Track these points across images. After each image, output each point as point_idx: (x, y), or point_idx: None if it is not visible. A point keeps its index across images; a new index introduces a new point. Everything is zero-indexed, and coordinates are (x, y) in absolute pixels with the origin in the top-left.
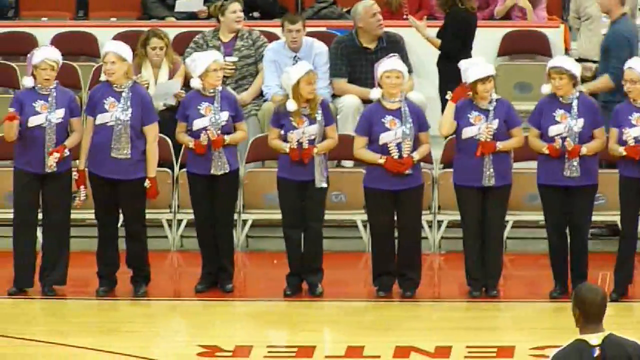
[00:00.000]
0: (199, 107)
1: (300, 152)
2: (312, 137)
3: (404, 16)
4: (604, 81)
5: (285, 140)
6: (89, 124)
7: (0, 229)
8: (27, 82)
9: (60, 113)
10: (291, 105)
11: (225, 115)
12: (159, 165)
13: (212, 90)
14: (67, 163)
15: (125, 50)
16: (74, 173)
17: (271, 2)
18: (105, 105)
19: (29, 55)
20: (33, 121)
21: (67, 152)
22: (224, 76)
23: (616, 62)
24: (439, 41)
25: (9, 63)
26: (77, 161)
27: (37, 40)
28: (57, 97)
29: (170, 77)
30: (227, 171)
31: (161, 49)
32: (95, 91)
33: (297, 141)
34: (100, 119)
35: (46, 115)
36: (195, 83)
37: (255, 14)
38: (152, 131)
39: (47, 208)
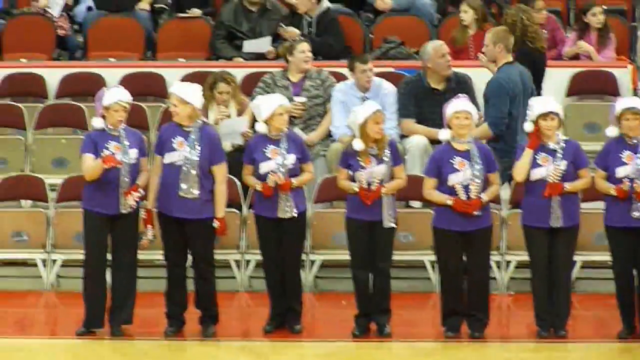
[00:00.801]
0: (265, 150)
1: (368, 192)
2: (380, 178)
3: (473, 55)
4: (483, 130)
5: (353, 180)
6: (157, 163)
7: (68, 270)
8: (96, 123)
9: (134, 153)
10: (358, 145)
11: (292, 158)
12: (228, 205)
13: (278, 133)
14: (137, 203)
15: (189, 93)
16: (142, 213)
17: (341, 44)
18: (173, 144)
19: (97, 95)
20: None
21: (141, 192)
22: (292, 117)
23: (494, 111)
24: None
25: (77, 104)
26: (145, 201)
27: (106, 80)
28: (129, 138)
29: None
30: (294, 214)
31: (228, 93)
32: (165, 130)
33: (366, 181)
34: (169, 158)
35: (120, 157)
36: (261, 127)
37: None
38: (220, 171)
39: (117, 249)
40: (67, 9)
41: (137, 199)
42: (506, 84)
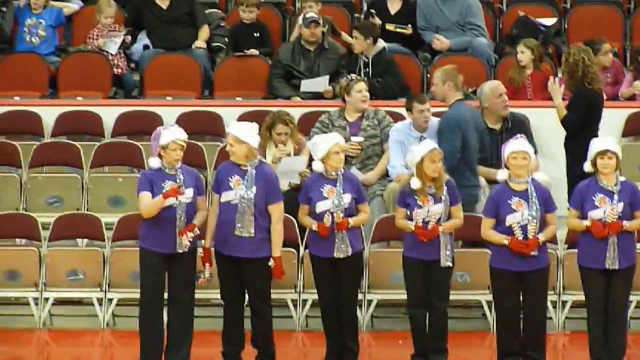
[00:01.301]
0: (321, 189)
1: (425, 231)
2: (438, 217)
3: (530, 96)
4: None
5: (410, 219)
6: (214, 202)
7: (124, 309)
8: (153, 163)
9: (190, 192)
10: (415, 183)
11: (348, 198)
12: (285, 245)
13: (334, 173)
14: (194, 242)
15: (246, 132)
16: (199, 251)
17: (399, 84)
18: (230, 183)
19: (154, 134)
20: (165, 202)
21: (197, 231)
22: (349, 156)
23: (447, 146)
24: (565, 111)
25: (133, 142)
26: (203, 240)
27: (162, 119)
28: (185, 177)
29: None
30: (350, 254)
31: (286, 134)
32: (222, 169)
33: (423, 220)
34: (225, 196)
35: (177, 196)
36: (318, 166)
37: None
38: (277, 210)
39: (174, 288)
40: (124, 48)
41: (192, 239)
42: (459, 120)
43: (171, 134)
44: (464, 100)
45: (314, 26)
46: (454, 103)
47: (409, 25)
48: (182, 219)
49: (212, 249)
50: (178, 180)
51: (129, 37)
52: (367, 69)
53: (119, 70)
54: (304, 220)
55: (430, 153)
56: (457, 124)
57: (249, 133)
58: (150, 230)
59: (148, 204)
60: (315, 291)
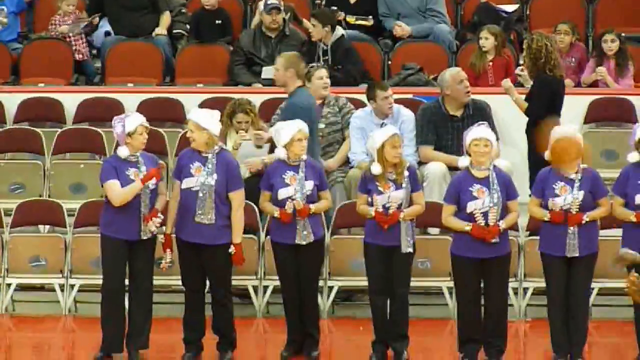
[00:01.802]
0: (283, 176)
1: (385, 217)
2: (399, 202)
3: (491, 82)
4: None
5: (372, 205)
6: (175, 188)
7: (86, 295)
8: (123, 152)
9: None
10: (376, 169)
11: (310, 185)
12: (245, 232)
13: (296, 160)
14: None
15: (206, 119)
16: (159, 237)
17: (360, 71)
18: (191, 169)
19: (115, 124)
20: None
21: (160, 216)
22: None
23: None
24: (526, 104)
25: (95, 129)
26: (164, 226)
27: (124, 106)
28: (146, 163)
29: None
30: (311, 240)
31: (247, 122)
32: (183, 156)
33: (383, 206)
34: (186, 183)
35: (158, 178)
36: (280, 153)
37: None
38: (237, 198)
39: (135, 274)
40: (89, 31)
41: (158, 225)
42: (303, 106)
43: (136, 119)
44: (303, 86)
45: (275, 13)
46: (295, 90)
47: (370, 17)
48: (146, 205)
49: (173, 235)
50: (139, 167)
51: (97, 19)
52: (327, 57)
53: (80, 57)
54: (265, 206)
55: (391, 138)
56: (302, 111)
57: (210, 120)
58: (113, 217)
59: (123, 191)
60: (276, 278)
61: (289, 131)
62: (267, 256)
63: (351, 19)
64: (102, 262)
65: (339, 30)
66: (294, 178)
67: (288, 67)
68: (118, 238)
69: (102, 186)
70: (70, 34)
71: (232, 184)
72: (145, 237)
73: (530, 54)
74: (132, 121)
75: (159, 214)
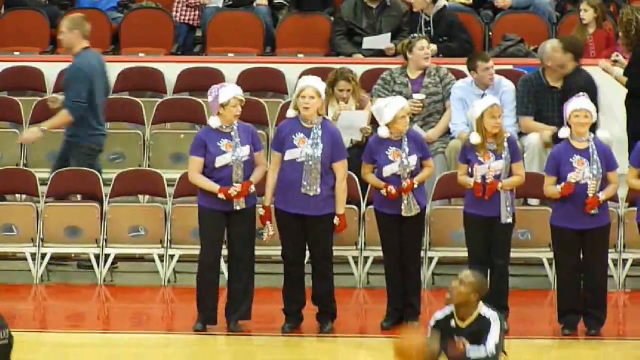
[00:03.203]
0: (387, 152)
1: (484, 187)
2: (498, 173)
3: (592, 54)
4: (63, 115)
5: (471, 175)
6: (275, 160)
7: (186, 265)
8: (214, 122)
9: (246, 150)
10: (475, 138)
11: (414, 160)
12: (347, 202)
13: (399, 135)
14: (253, 199)
15: (322, 87)
16: (259, 209)
17: (469, 42)
18: (294, 141)
19: (210, 94)
20: (220, 161)
21: (252, 188)
22: (411, 114)
23: (74, 95)
24: (625, 79)
25: (195, 99)
26: (263, 197)
27: (224, 76)
28: (240, 134)
29: None
30: (418, 212)
31: (348, 90)
32: (284, 127)
33: (482, 176)
34: (289, 154)
35: (232, 154)
36: (383, 132)
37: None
38: (341, 168)
39: (233, 244)
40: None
41: (235, 192)
42: (86, 69)
43: (230, 91)
44: (90, 48)
45: None
46: (80, 51)
47: None
48: (239, 176)
49: (273, 207)
50: (234, 138)
51: None
52: (429, 28)
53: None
54: (368, 177)
55: (490, 108)
56: (84, 73)
57: (323, 88)
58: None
59: (198, 178)
60: (377, 248)
61: (392, 109)
62: (368, 226)
63: None
64: (200, 233)
65: (441, 1)
66: (397, 153)
67: (72, 28)
68: (214, 209)
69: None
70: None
71: (336, 154)
72: (238, 208)
73: (622, 27)
74: (227, 92)
75: (251, 186)
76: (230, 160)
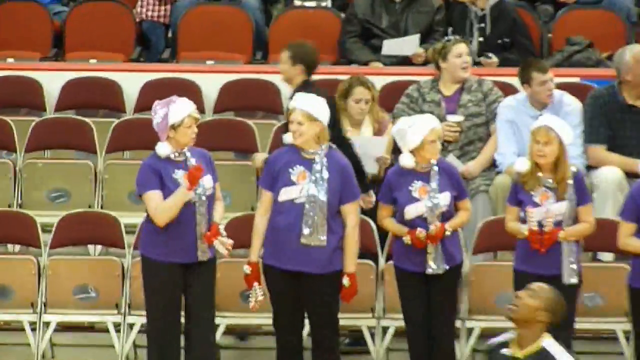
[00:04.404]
0: (410, 187)
1: (541, 236)
2: (559, 218)
3: None
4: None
5: (524, 222)
6: (265, 201)
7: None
8: (162, 149)
9: (209, 181)
10: (522, 165)
11: (446, 198)
12: (359, 255)
13: (427, 165)
14: (213, 249)
15: (317, 107)
16: (245, 268)
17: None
18: (292, 176)
19: (156, 109)
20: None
21: (224, 233)
22: (445, 140)
23: None
24: None
25: None
26: (244, 249)
27: (201, 89)
28: (197, 160)
29: None
30: (446, 269)
31: (367, 102)
32: (278, 157)
33: (539, 222)
34: (286, 193)
35: (199, 178)
36: (407, 160)
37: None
38: (353, 212)
39: (194, 305)
40: None
41: (229, 246)
42: None
43: (183, 108)
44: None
45: None
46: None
47: None
48: (204, 217)
49: (261, 262)
50: (189, 167)
51: None
52: (483, 24)
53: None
54: (385, 223)
55: (536, 130)
56: None
57: (322, 108)
58: (160, 236)
59: (166, 206)
60: (399, 316)
61: (419, 132)
62: (387, 288)
63: None
64: (149, 295)
65: None
66: (424, 190)
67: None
68: (171, 262)
69: (140, 197)
70: None
71: (346, 194)
72: (203, 259)
73: None
74: (178, 110)
75: (222, 230)
76: (192, 195)
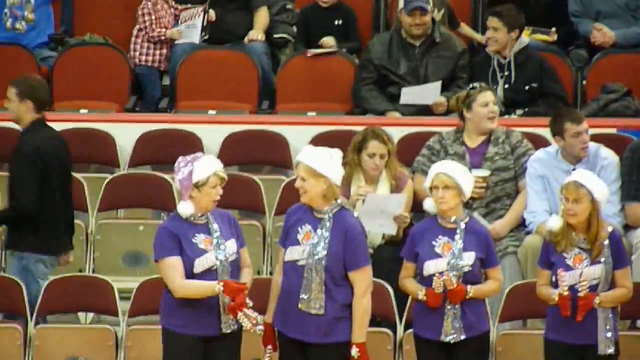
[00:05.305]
0: (434, 242)
1: (574, 302)
2: (594, 283)
3: None
4: None
5: (556, 285)
6: (280, 259)
7: None
8: (185, 208)
9: (232, 246)
10: (554, 222)
11: (470, 258)
12: (376, 324)
13: (453, 219)
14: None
15: (324, 161)
16: (258, 328)
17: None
18: (299, 235)
19: (179, 167)
20: (202, 264)
21: (250, 303)
22: (470, 197)
23: None
24: None
25: (160, 175)
26: (260, 315)
27: (202, 142)
28: (219, 225)
29: None
30: (463, 337)
31: (382, 157)
32: (292, 213)
33: (572, 287)
34: (290, 254)
35: (215, 252)
36: (427, 204)
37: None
38: (361, 279)
39: None
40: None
41: (254, 320)
42: None
43: (209, 165)
44: None
45: (420, 13)
46: None
47: (553, 30)
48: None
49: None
50: (212, 231)
51: (212, 13)
52: (507, 72)
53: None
54: (406, 284)
55: (565, 187)
56: None
57: (329, 162)
58: (180, 306)
59: (190, 287)
60: None
61: (429, 175)
62: (407, 358)
63: (527, 31)
64: None
65: (524, 38)
66: (447, 246)
67: None
68: (192, 334)
69: (157, 263)
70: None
71: (352, 260)
72: (227, 331)
73: None
74: (204, 167)
75: (248, 301)
76: (214, 262)
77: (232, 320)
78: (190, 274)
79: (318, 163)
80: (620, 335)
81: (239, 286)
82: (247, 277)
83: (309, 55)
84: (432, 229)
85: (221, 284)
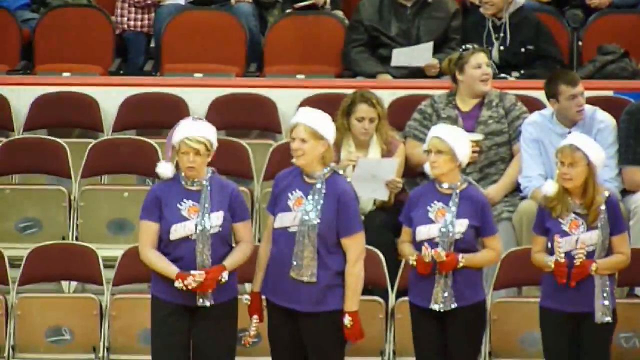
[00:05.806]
0: (429, 207)
1: (570, 269)
2: (591, 249)
3: None
4: None
5: (552, 253)
6: (269, 226)
7: None
8: (164, 170)
9: (217, 218)
10: (549, 187)
11: (462, 225)
12: (368, 291)
13: (451, 185)
14: (232, 291)
15: (324, 123)
16: (244, 297)
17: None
18: (289, 200)
19: (174, 128)
20: (178, 231)
21: (224, 277)
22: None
23: None
24: None
25: (145, 139)
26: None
27: (188, 106)
28: (213, 194)
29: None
30: (453, 307)
31: (372, 120)
32: (281, 178)
33: (568, 253)
34: (280, 220)
35: (196, 222)
36: (427, 166)
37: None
38: (355, 246)
39: (202, 353)
40: None
41: (198, 281)
42: None
43: (184, 131)
44: None
45: None
46: None
47: None
48: (206, 258)
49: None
50: (202, 200)
51: None
52: (503, 34)
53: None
54: (403, 249)
55: (560, 149)
56: None
57: (329, 125)
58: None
59: (153, 258)
60: (412, 359)
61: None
62: (399, 327)
63: None
64: (152, 334)
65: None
66: (442, 212)
67: None
68: (172, 302)
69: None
70: None
71: (345, 225)
72: (206, 304)
73: None
74: (180, 130)
75: (223, 274)
76: (192, 231)
77: (208, 293)
78: (166, 240)
79: (320, 125)
80: (617, 302)
81: (198, 286)
82: (236, 253)
83: (296, 7)
84: (429, 194)
85: (179, 280)
